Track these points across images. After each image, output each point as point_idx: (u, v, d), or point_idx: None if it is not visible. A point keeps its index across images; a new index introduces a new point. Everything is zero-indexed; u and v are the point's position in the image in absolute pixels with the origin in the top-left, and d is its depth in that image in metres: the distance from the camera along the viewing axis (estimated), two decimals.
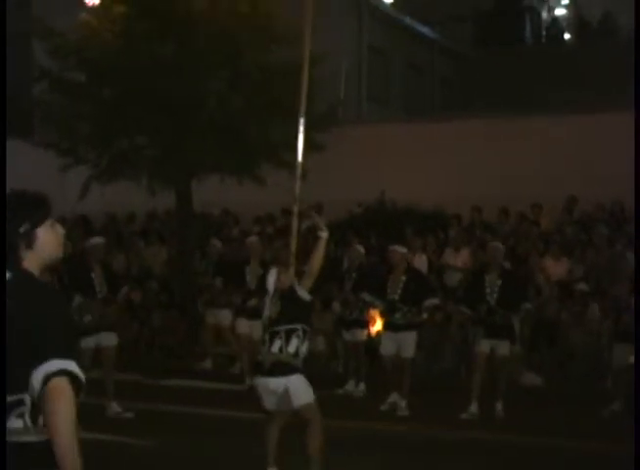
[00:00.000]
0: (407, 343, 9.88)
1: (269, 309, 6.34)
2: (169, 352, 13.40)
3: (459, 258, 13.74)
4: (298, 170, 6.65)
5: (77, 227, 17.80)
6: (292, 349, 6.21)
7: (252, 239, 11.84)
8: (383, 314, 10.21)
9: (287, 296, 6.31)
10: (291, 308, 6.29)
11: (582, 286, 12.37)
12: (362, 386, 10.90)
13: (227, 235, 15.80)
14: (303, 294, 6.35)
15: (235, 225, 16.90)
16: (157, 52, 12.09)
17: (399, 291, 9.86)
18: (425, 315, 10.35)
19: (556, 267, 13.01)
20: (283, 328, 6.23)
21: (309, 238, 14.95)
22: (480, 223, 15.03)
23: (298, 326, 6.28)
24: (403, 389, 9.84)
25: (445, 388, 11.21)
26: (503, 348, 9.59)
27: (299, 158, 6.68)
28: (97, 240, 10.15)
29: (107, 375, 9.67)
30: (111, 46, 12.65)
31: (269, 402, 6.32)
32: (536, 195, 15.12)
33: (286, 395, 6.19)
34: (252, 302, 10.89)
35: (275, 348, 6.21)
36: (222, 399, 10.64)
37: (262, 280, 10.81)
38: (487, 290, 9.58)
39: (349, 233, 13.83)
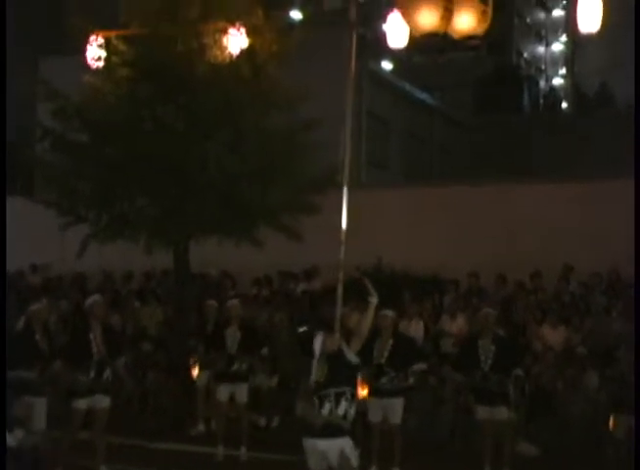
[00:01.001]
0: (394, 409, 9.80)
1: (315, 374, 6.41)
2: (163, 413, 13.26)
3: (455, 325, 13.72)
4: (343, 235, 6.68)
5: (75, 285, 17.85)
6: (341, 411, 6.32)
7: (234, 302, 11.74)
8: (368, 379, 10.10)
9: (335, 359, 6.40)
10: (339, 372, 6.40)
11: (581, 349, 12.36)
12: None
13: (224, 296, 15.77)
14: (352, 357, 6.47)
15: (232, 287, 16.90)
16: (159, 115, 12.24)
17: (386, 355, 9.80)
18: (411, 381, 10.22)
19: (553, 335, 12.98)
20: (332, 391, 6.33)
21: (305, 301, 15.03)
22: (477, 290, 15.03)
23: (347, 389, 6.40)
24: (395, 456, 9.74)
25: (440, 454, 11.08)
26: (500, 414, 9.53)
27: (344, 223, 6.67)
28: (96, 298, 10.12)
29: (98, 437, 9.57)
30: (114, 108, 12.82)
31: (315, 464, 6.38)
32: (534, 261, 15.17)
33: (336, 456, 6.29)
34: (235, 366, 10.85)
35: (325, 410, 6.31)
36: (215, 465, 10.52)
37: (242, 344, 10.91)
38: (482, 357, 9.56)
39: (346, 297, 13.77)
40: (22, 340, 9.59)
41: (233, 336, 11.04)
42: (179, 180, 12.81)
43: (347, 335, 6.51)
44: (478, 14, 6.56)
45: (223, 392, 10.98)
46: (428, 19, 6.29)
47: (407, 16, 6.43)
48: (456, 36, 6.68)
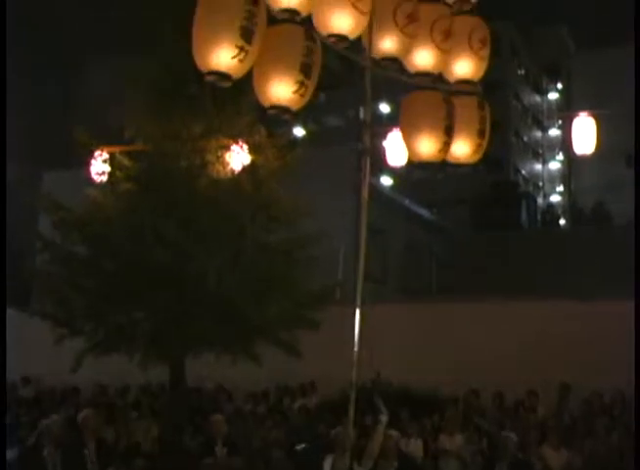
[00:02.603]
0: None
1: None
2: None
3: (454, 443, 13.44)
4: (355, 355, 6.60)
5: (68, 399, 17.58)
6: None
7: (217, 417, 11.57)
8: None
9: None
10: None
11: None
12: None
13: (220, 411, 15.52)
14: None
15: (228, 401, 16.66)
16: (159, 229, 12.33)
17: None
18: None
19: (555, 458, 12.70)
20: None
21: (302, 417, 14.79)
22: (476, 408, 14.81)
23: None
24: None
25: None
26: None
27: (356, 344, 6.60)
28: (88, 412, 9.98)
29: None
30: (114, 221, 12.92)
31: None
32: (533, 379, 15.02)
33: None
34: None
35: None
36: None
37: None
38: None
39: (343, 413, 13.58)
40: (31, 455, 9.43)
41: (220, 452, 10.81)
42: (177, 294, 12.79)
43: (359, 455, 6.42)
44: (474, 146, 6.88)
45: None
46: (426, 148, 6.52)
47: (407, 139, 6.65)
48: (452, 161, 6.97)
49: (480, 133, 6.94)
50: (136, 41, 14.12)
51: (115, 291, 12.88)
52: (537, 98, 69.03)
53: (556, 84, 72.67)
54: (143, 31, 13.78)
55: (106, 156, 12.93)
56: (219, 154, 12.87)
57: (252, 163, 13.00)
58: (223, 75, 5.41)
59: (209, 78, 5.49)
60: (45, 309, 13.70)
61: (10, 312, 16.75)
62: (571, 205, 60.56)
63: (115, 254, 12.93)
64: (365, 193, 6.58)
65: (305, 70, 5.68)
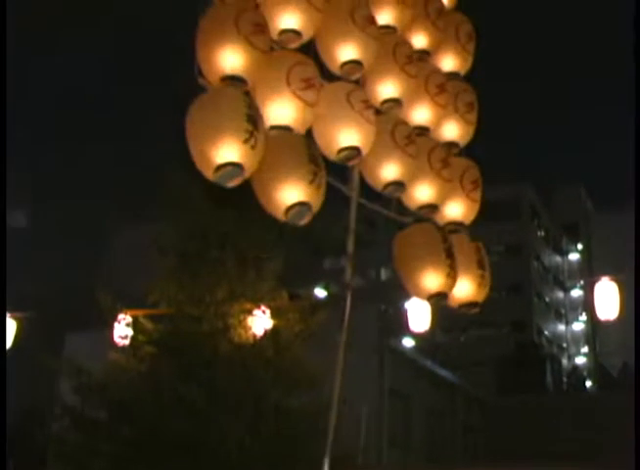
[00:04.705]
0: None
1: None
2: None
3: None
4: None
5: None
6: None
7: None
8: None
9: None
10: None
11: None
12: None
13: None
14: None
15: None
16: (181, 393, 12.23)
17: None
18: None
19: None
20: None
21: None
22: None
23: None
24: None
25: None
26: None
27: None
28: None
29: None
30: (135, 385, 12.85)
31: None
32: None
33: None
34: None
35: None
36: None
37: None
38: None
39: None
40: None
41: None
42: (197, 458, 12.53)
43: None
44: (477, 279, 6.35)
45: None
46: (431, 282, 6.09)
47: (408, 274, 6.23)
48: (459, 305, 6.49)
49: (480, 264, 6.50)
50: (162, 206, 14.48)
51: (134, 457, 12.63)
52: (558, 258, 69.35)
53: (576, 244, 73.10)
54: (168, 197, 14.13)
55: (129, 319, 13.00)
56: (241, 318, 12.94)
57: (274, 327, 13.02)
58: (235, 167, 5.01)
59: (220, 174, 5.04)
60: None
61: None
62: (598, 367, 59.61)
63: (136, 419, 12.77)
64: (344, 336, 6.09)
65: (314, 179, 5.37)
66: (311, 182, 5.33)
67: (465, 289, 6.28)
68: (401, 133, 6.05)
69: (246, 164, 5.05)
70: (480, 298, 6.41)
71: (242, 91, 5.18)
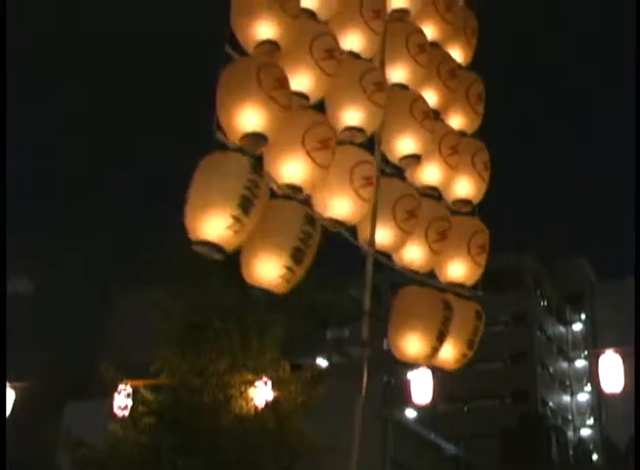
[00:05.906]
0: None
1: None
2: None
3: None
4: None
5: None
6: None
7: None
8: None
9: None
10: None
11: None
12: None
13: None
14: None
15: None
16: (181, 466, 12.07)
17: None
18: None
19: None
20: None
21: None
22: None
23: None
24: None
25: None
26: None
27: None
28: None
29: None
30: (134, 458, 12.67)
31: None
32: None
33: None
34: None
35: None
36: None
37: None
38: None
39: None
40: None
41: None
42: None
43: None
44: (458, 355, 6.24)
45: None
46: (414, 350, 5.95)
47: (395, 335, 6.13)
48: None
49: (470, 344, 6.34)
50: (163, 276, 14.44)
51: None
52: (561, 329, 68.86)
53: (580, 314, 72.64)
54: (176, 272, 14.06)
55: (129, 390, 12.86)
56: (243, 389, 12.82)
57: (276, 398, 12.89)
58: (213, 247, 4.88)
59: (197, 249, 4.93)
60: None
61: None
62: (604, 439, 58.70)
63: None
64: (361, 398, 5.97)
65: (297, 255, 5.13)
66: (282, 276, 5.13)
67: (444, 357, 6.22)
68: (419, 108, 6.08)
69: (225, 245, 4.92)
70: (452, 369, 6.37)
71: (247, 157, 5.05)
